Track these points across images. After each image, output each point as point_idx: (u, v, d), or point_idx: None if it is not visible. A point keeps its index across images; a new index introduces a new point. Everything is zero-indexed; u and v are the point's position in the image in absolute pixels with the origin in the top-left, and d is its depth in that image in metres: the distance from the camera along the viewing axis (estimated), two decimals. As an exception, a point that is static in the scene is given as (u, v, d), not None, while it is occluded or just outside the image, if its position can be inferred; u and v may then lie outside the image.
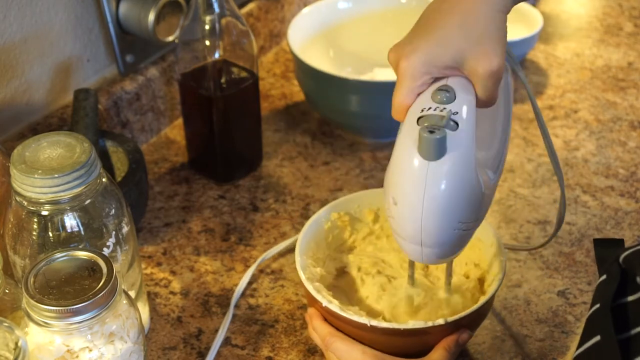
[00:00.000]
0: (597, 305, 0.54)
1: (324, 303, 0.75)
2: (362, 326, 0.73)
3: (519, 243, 0.95)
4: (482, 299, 0.75)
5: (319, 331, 0.77)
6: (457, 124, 0.63)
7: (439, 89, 0.64)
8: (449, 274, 0.78)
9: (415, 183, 0.63)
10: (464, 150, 0.63)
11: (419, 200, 0.64)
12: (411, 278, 0.81)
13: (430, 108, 0.64)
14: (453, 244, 0.68)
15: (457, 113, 0.63)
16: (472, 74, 0.64)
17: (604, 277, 0.56)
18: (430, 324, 0.72)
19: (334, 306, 0.74)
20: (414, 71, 0.64)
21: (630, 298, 0.53)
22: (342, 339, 0.75)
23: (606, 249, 0.63)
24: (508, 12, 0.64)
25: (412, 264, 0.80)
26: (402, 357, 0.74)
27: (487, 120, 0.73)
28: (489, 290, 0.76)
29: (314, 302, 0.77)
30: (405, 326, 0.73)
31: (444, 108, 0.63)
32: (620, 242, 0.66)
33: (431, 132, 0.61)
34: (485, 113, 0.69)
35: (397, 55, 0.65)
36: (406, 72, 0.64)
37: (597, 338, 0.52)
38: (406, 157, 0.64)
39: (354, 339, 0.75)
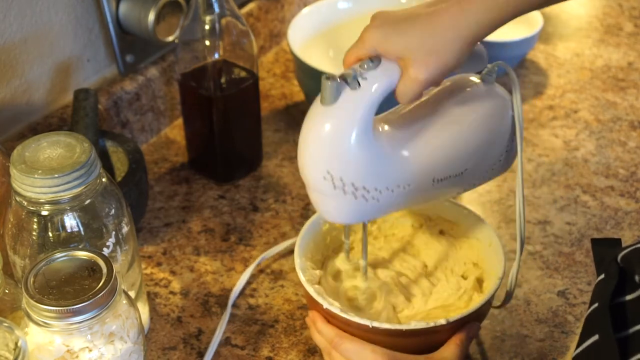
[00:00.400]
0: (596, 305, 0.54)
1: (325, 305, 0.75)
2: (364, 327, 0.73)
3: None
4: (482, 298, 0.75)
5: (325, 333, 0.76)
6: (359, 85, 0.69)
7: (369, 58, 0.70)
8: (364, 248, 0.81)
9: (306, 121, 0.71)
10: (353, 109, 0.68)
11: (302, 138, 0.71)
12: (346, 251, 0.83)
13: (351, 68, 0.70)
14: (335, 198, 0.71)
15: (366, 79, 0.69)
16: (404, 70, 0.69)
17: (602, 276, 0.56)
18: (432, 324, 0.73)
19: (335, 308, 0.74)
20: (366, 40, 0.70)
21: (629, 297, 0.53)
22: (351, 339, 0.74)
23: (604, 249, 0.63)
24: (474, 44, 0.68)
25: (346, 234, 0.82)
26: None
27: (456, 139, 0.74)
28: (488, 290, 0.76)
29: (315, 304, 0.77)
30: (407, 327, 0.73)
31: (359, 71, 0.69)
32: (618, 241, 0.66)
33: (328, 78, 0.68)
34: (453, 131, 0.74)
35: (370, 22, 0.72)
36: (362, 37, 0.71)
37: (596, 337, 0.52)
38: (311, 107, 0.72)
39: None
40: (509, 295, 0.79)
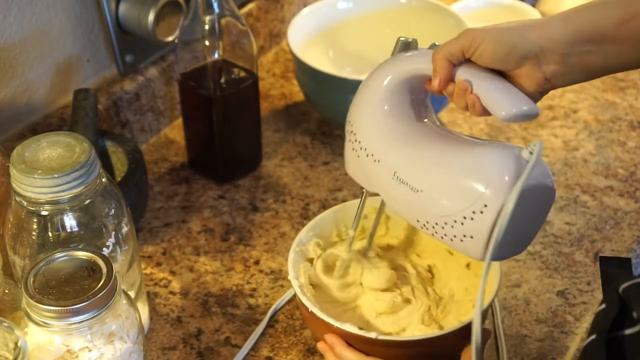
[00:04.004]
0: (594, 336, 0.54)
1: (337, 325, 0.74)
2: (370, 340, 0.73)
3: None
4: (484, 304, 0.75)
5: (348, 358, 0.74)
6: (409, 52, 0.74)
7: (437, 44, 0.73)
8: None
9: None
10: (394, 66, 0.74)
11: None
12: (349, 242, 0.83)
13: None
14: (345, 145, 0.78)
15: (417, 51, 0.74)
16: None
17: (603, 305, 0.55)
18: (437, 333, 0.74)
19: (349, 326, 0.74)
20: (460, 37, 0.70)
21: (628, 331, 0.52)
22: None
23: (612, 268, 0.62)
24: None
25: (355, 225, 0.83)
26: None
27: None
28: (487, 295, 0.76)
29: (324, 325, 0.76)
30: (412, 338, 0.74)
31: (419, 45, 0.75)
32: (627, 261, 0.65)
33: (402, 38, 0.75)
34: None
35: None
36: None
37: None
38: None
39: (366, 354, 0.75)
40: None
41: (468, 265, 0.84)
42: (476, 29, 0.68)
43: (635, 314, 0.51)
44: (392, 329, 0.80)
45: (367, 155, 0.75)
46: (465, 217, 0.67)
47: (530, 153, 0.65)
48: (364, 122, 0.75)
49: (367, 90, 0.75)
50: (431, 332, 0.78)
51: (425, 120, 0.76)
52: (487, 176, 0.66)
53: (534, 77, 0.67)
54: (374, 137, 0.75)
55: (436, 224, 0.70)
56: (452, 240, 0.69)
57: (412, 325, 0.80)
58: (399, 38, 0.75)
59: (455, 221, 0.68)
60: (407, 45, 0.75)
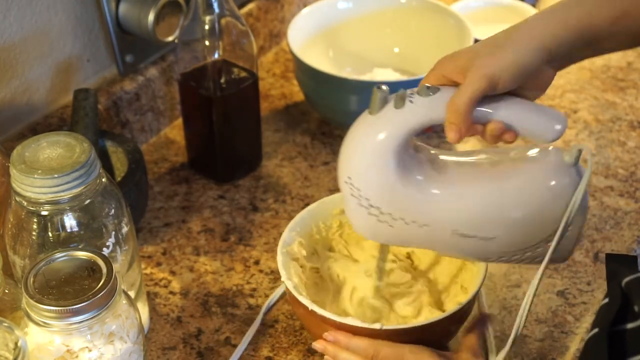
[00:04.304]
0: (596, 330, 0.54)
1: (338, 320, 0.74)
2: (374, 332, 0.73)
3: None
4: (472, 290, 0.76)
5: (355, 347, 0.73)
6: (403, 105, 0.68)
7: (430, 86, 0.69)
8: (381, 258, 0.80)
9: (353, 125, 0.72)
10: (386, 124, 0.68)
11: (345, 137, 0.72)
12: (378, 272, 0.81)
13: (408, 90, 0.69)
14: (352, 205, 0.71)
15: (412, 103, 0.68)
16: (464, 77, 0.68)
17: (606, 300, 0.55)
18: (437, 318, 0.74)
19: (353, 320, 0.74)
20: (437, 65, 0.70)
21: (630, 325, 0.52)
22: (387, 344, 0.73)
23: (617, 266, 0.62)
24: (545, 52, 0.68)
25: (382, 252, 0.80)
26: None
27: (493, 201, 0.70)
28: (475, 281, 0.77)
29: (323, 322, 0.75)
30: (415, 324, 0.74)
31: (410, 93, 0.69)
32: (634, 259, 0.65)
33: (378, 88, 0.68)
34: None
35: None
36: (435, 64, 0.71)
37: None
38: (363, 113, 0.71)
39: None
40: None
41: None
42: (482, 64, 0.66)
43: (637, 308, 0.52)
44: (408, 311, 0.81)
45: (407, 224, 0.70)
46: (542, 242, 0.69)
47: (576, 158, 0.68)
48: (390, 197, 0.69)
49: (377, 163, 0.69)
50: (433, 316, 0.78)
51: (436, 153, 0.72)
52: (551, 201, 0.68)
53: (550, 79, 0.69)
54: (412, 206, 0.69)
55: (521, 258, 0.71)
56: (529, 258, 0.71)
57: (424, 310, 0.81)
58: (374, 89, 0.69)
59: (547, 243, 0.69)
60: (383, 97, 0.69)
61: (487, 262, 0.74)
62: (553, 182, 0.68)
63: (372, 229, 0.71)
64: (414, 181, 0.69)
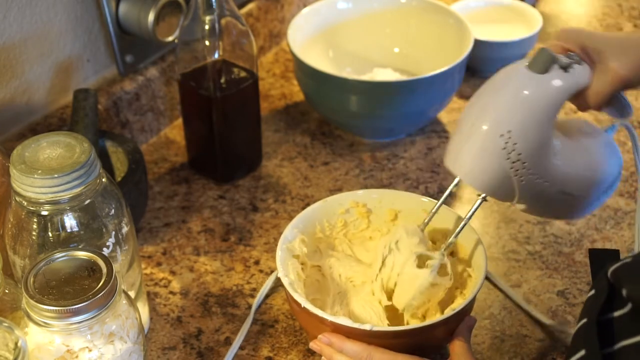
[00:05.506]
0: (584, 320, 0.55)
1: (330, 319, 0.74)
2: (365, 332, 0.73)
3: (518, 244, 0.95)
4: (472, 290, 0.76)
5: (349, 350, 0.74)
6: (567, 71, 0.71)
7: (570, 52, 0.74)
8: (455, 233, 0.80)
9: (501, 76, 0.73)
10: (558, 87, 0.71)
11: (494, 90, 0.73)
12: (423, 224, 0.83)
13: (560, 55, 0.73)
14: (492, 157, 0.71)
15: (573, 69, 0.72)
16: (601, 64, 0.74)
17: (592, 291, 0.56)
18: (429, 322, 0.73)
19: (344, 319, 0.74)
20: (572, 32, 0.76)
21: (617, 313, 0.53)
22: (380, 350, 0.73)
23: (602, 260, 0.63)
24: None
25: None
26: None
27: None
28: (476, 281, 0.77)
29: (317, 321, 0.75)
30: (406, 327, 0.74)
31: (566, 60, 0.72)
32: (616, 253, 0.66)
33: (546, 49, 0.71)
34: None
35: None
36: (566, 30, 0.77)
37: (583, 352, 0.53)
38: (511, 67, 0.73)
39: None
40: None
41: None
42: (608, 63, 0.72)
43: (625, 292, 0.52)
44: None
45: (536, 181, 0.73)
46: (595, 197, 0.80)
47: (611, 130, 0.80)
48: (539, 156, 0.73)
49: (544, 122, 0.72)
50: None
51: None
52: (615, 163, 0.80)
53: None
54: (549, 166, 0.74)
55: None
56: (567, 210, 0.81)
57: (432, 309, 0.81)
58: (541, 48, 0.72)
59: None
60: (554, 59, 0.72)
61: (566, 215, 0.85)
62: (617, 151, 0.80)
63: (499, 182, 0.73)
64: (552, 145, 0.73)
